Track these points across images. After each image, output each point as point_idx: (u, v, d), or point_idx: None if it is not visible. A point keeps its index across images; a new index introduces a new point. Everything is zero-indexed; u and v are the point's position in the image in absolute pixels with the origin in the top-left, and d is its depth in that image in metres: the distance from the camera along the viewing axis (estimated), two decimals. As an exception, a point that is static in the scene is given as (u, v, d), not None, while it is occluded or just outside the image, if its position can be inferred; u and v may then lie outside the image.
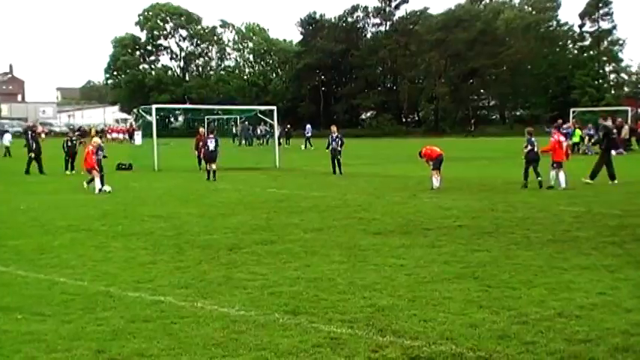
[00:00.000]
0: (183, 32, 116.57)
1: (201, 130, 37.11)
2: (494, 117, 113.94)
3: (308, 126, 67.49)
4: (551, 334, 7.69)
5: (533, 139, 24.58)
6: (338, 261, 12.04)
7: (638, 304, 8.87)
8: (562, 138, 25.39)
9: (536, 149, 24.49)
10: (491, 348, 7.27)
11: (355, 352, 7.26)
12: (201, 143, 33.17)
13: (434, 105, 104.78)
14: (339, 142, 32.14)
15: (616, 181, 25.07)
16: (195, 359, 7.16)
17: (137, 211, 19.37)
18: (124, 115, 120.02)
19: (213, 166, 30.20)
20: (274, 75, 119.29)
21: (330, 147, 32.51)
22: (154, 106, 39.78)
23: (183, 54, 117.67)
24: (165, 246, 13.77)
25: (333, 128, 33.74)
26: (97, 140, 27.50)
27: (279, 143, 45.82)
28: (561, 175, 23.73)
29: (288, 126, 70.92)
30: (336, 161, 31.85)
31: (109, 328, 8.28)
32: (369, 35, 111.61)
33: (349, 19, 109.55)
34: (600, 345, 7.29)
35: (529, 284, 10.10)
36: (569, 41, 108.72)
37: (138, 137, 63.71)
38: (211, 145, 30.78)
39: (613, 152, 45.57)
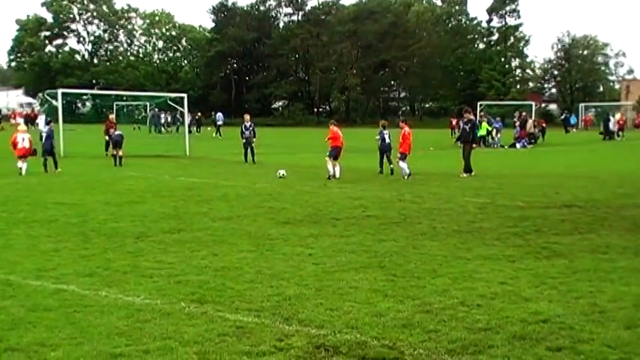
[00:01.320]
0: (92, 16, 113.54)
1: (111, 116, 36.84)
2: (404, 108, 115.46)
3: (219, 114, 66.90)
4: (453, 323, 7.84)
5: (385, 131, 27.01)
6: (246, 250, 12.01)
7: (537, 293, 9.13)
8: (407, 130, 26.38)
9: (387, 140, 26.88)
10: (395, 336, 7.38)
11: (261, 340, 7.26)
12: (111, 130, 33.22)
13: (345, 95, 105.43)
14: (253, 132, 32.12)
15: (473, 174, 25.64)
16: (98, 348, 7.02)
17: (41, 197, 18.89)
18: (29, 99, 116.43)
19: (120, 152, 29.94)
20: (185, 62, 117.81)
21: (244, 136, 32.32)
22: (59, 91, 38.65)
23: (91, 38, 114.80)
24: (70, 234, 13.48)
25: (247, 117, 33.62)
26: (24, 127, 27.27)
27: (190, 131, 45.35)
28: (403, 164, 25.06)
29: (199, 114, 70.22)
30: (249, 150, 31.83)
31: (8, 317, 8.05)
32: (281, 24, 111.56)
33: (261, 8, 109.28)
34: (499, 333, 7.48)
35: (434, 274, 10.28)
36: (477, 36, 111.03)
37: (41, 122, 62.11)
38: (118, 130, 30.71)
39: (518, 146, 47.12)
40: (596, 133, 58.24)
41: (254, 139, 32.13)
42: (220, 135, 60.82)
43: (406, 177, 24.76)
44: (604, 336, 7.35)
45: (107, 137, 34.80)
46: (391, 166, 26.42)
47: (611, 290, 9.23)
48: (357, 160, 32.34)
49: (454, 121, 65.27)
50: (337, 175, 24.80)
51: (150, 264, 10.89)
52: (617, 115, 59.85)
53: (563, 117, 75.63)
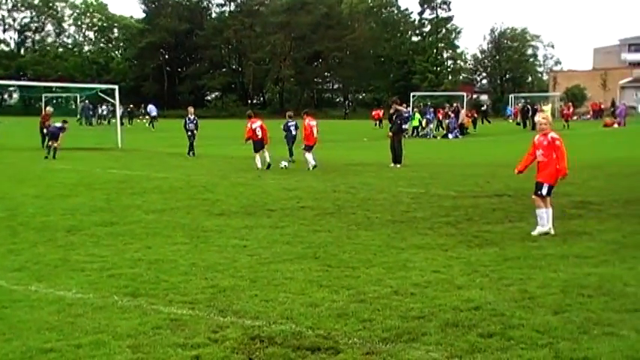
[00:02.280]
0: (18, 2, 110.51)
1: (48, 109, 36.82)
2: (338, 100, 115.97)
3: (151, 106, 66.09)
4: (387, 312, 7.91)
5: (292, 122, 28.78)
6: (180, 242, 11.92)
7: (469, 281, 9.27)
8: (313, 123, 26.91)
9: (294, 132, 28.37)
10: (330, 326, 7.41)
11: (196, 332, 7.22)
12: (48, 123, 33.37)
13: (279, 87, 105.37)
14: (196, 124, 31.68)
15: (399, 165, 25.97)
16: (28, 344, 6.88)
17: (-33, 191, 18.43)
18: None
19: (55, 144, 29.74)
20: (117, 53, 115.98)
21: (188, 128, 31.61)
22: (-16, 82, 37.71)
23: (17, 26, 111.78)
24: (-2, 228, 13.18)
25: (191, 109, 33.14)
26: None
27: (122, 123, 44.74)
28: (309, 156, 25.55)
29: (131, 106, 69.31)
30: (191, 144, 31.31)
31: None
32: (213, 15, 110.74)
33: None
34: (432, 320, 7.57)
35: (368, 263, 10.35)
36: (409, 28, 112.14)
37: None
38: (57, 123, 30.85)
39: (450, 136, 47.77)
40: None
41: (196, 131, 31.67)
42: (153, 127, 60.16)
43: (311, 168, 25.02)
44: (533, 321, 7.51)
45: (45, 130, 34.18)
46: (292, 157, 27.73)
47: (540, 277, 9.42)
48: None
49: (378, 112, 66.12)
50: (259, 166, 25.43)
51: (81, 257, 10.71)
52: (548, 107, 61.01)
53: (484, 108, 76.80)
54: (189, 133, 31.48)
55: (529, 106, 60.53)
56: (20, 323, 7.54)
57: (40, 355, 6.64)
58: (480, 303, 8.19)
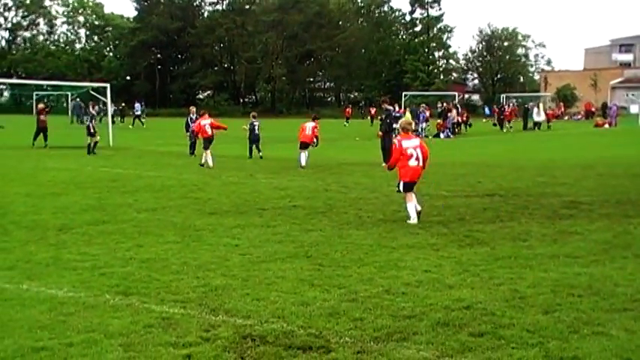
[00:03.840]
0: (9, 1, 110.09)
1: (40, 105, 36.93)
2: (329, 99, 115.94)
3: (137, 104, 65.82)
4: (378, 311, 7.94)
5: (256, 122, 29.11)
6: (172, 241, 11.92)
7: (460, 280, 9.31)
8: (310, 124, 27.04)
9: (257, 131, 29.06)
10: (322, 325, 7.43)
11: (187, 331, 7.24)
12: (42, 117, 34.41)
13: (271, 86, 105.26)
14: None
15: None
16: (20, 342, 6.89)
17: (-42, 190, 18.38)
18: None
19: (96, 139, 31.04)
20: (108, 51, 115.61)
21: (190, 128, 30.81)
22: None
23: (8, 24, 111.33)
24: (-11, 227, 13.15)
25: (192, 109, 32.56)
26: None
27: (113, 122, 44.62)
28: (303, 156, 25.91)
29: (122, 104, 69.08)
30: (193, 143, 30.63)
31: None
32: (205, 14, 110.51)
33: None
34: (423, 320, 7.61)
35: (359, 262, 10.38)
36: (400, 27, 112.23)
37: None
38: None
39: (441, 136, 47.81)
40: (518, 124, 59.28)
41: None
42: (142, 124, 60.02)
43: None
44: (524, 321, 7.55)
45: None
46: (260, 153, 28.60)
47: (530, 276, 9.47)
48: (283, 150, 32.35)
49: (373, 110, 66.63)
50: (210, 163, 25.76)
51: (73, 256, 10.71)
52: (540, 106, 61.13)
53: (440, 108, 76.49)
54: (192, 132, 30.60)
55: (528, 106, 60.65)
56: (11, 322, 7.54)
57: (31, 353, 6.64)
58: (471, 302, 8.23)
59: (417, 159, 14.27)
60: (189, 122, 31.18)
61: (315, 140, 26.66)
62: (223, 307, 8.10)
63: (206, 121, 27.44)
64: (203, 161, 25.90)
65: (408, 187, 14.22)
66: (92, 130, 30.65)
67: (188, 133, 31.09)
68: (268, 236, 12.40)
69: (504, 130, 55.03)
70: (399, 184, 14.51)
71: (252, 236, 12.40)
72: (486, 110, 78.98)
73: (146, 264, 10.22)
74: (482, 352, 6.67)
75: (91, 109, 31.02)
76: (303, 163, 25.55)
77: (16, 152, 31.52)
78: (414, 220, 13.83)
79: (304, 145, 26.22)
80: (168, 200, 16.85)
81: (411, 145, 14.35)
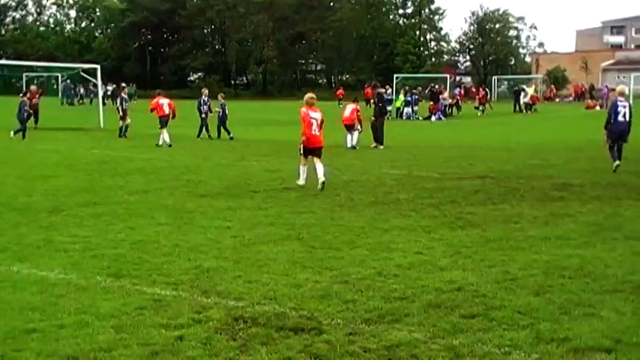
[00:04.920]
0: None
1: (32, 87, 36.71)
2: (321, 81, 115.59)
3: (124, 85, 65.30)
4: (370, 293, 7.95)
5: (224, 102, 30.07)
6: (163, 223, 11.90)
7: (451, 262, 9.33)
8: (350, 106, 27.38)
9: (227, 112, 29.93)
10: (313, 307, 7.44)
11: (179, 313, 7.23)
12: (34, 100, 33.98)
13: (262, 68, 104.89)
14: (209, 107, 30.50)
15: (382, 147, 26.44)
16: (11, 324, 6.87)
17: (-52, 172, 18.29)
18: None
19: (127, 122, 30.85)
20: (99, 32, 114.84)
21: (202, 110, 30.31)
22: (-36, 60, 37.44)
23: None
24: (-21, 209, 13.09)
25: (205, 91, 31.81)
26: None
27: (104, 103, 44.43)
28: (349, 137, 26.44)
29: (114, 86, 68.73)
30: (204, 126, 30.25)
31: None
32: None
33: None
34: (415, 302, 7.62)
35: (351, 245, 10.38)
36: (392, 8, 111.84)
37: None
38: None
39: (433, 118, 47.84)
40: (509, 106, 59.24)
41: (211, 114, 30.44)
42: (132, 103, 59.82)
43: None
44: (515, 302, 7.57)
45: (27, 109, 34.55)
46: (230, 135, 29.21)
47: (522, 258, 9.50)
48: (275, 132, 32.32)
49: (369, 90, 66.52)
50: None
51: (64, 238, 10.67)
52: (531, 89, 61.04)
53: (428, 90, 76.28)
54: (203, 115, 30.19)
55: (520, 88, 60.56)
56: (3, 304, 7.52)
57: (23, 335, 6.62)
58: (462, 284, 8.25)
59: (317, 129, 16.48)
60: (202, 105, 30.48)
61: (357, 125, 26.60)
62: (215, 289, 8.10)
63: (164, 101, 28.12)
64: (160, 142, 26.63)
65: (307, 152, 16.34)
66: (122, 114, 30.18)
67: (202, 115, 30.33)
68: (260, 218, 12.39)
69: (479, 114, 54.59)
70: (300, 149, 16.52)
71: (244, 218, 12.38)
72: (455, 91, 78.64)
73: (137, 246, 10.20)
74: (473, 333, 6.69)
75: (122, 93, 30.56)
76: (348, 144, 26.15)
77: (6, 134, 31.32)
78: (302, 181, 16.10)
79: (348, 127, 26.58)
80: (160, 182, 16.81)
81: (315, 117, 16.53)
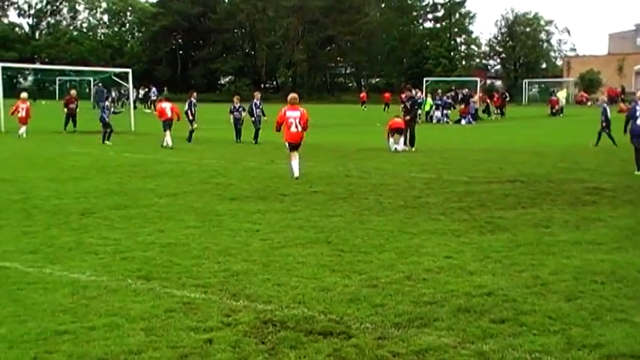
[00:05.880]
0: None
1: (72, 92, 37.94)
2: (350, 85, 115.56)
3: (153, 89, 65.84)
4: (399, 297, 7.92)
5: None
6: (193, 226, 11.95)
7: (481, 267, 9.27)
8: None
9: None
10: (342, 311, 7.43)
11: (208, 316, 7.25)
12: (71, 105, 35.32)
13: (291, 71, 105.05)
14: (262, 110, 30.14)
15: (413, 149, 26.58)
16: (43, 326, 6.94)
17: (-19, 174, 18.52)
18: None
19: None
20: (130, 37, 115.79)
21: (255, 113, 29.99)
22: (-1, 65, 37.79)
23: (32, 11, 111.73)
24: (12, 211, 13.24)
25: (257, 95, 31.69)
26: None
27: (135, 107, 44.76)
28: (394, 141, 26.30)
29: (146, 89, 69.18)
30: (256, 130, 29.74)
31: (-51, 296, 7.90)
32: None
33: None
34: (444, 306, 7.58)
35: (380, 248, 10.36)
36: (422, 12, 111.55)
37: None
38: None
39: (463, 122, 47.58)
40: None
41: (264, 118, 29.80)
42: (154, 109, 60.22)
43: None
44: (545, 307, 7.51)
45: (66, 111, 36.16)
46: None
47: (552, 263, 9.42)
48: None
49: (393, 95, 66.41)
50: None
51: (95, 240, 10.76)
52: (562, 92, 60.57)
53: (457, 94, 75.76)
54: (256, 118, 29.81)
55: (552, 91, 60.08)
56: (35, 305, 7.60)
57: (54, 336, 6.68)
58: (492, 289, 8.20)
59: (296, 126, 18.33)
60: (254, 107, 30.15)
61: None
62: (244, 292, 8.12)
63: (166, 104, 28.88)
64: (164, 144, 27.30)
65: (290, 146, 18.39)
66: (191, 117, 30.14)
67: (253, 118, 30.02)
68: (289, 222, 12.40)
69: (492, 117, 54.38)
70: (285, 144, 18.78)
71: (273, 221, 12.40)
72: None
73: (167, 249, 10.26)
74: (503, 338, 6.64)
75: (191, 97, 30.60)
76: (398, 147, 26.15)
77: (40, 137, 31.69)
78: (296, 173, 18.02)
79: (397, 131, 26.62)
80: (189, 185, 16.89)
81: (292, 115, 18.35)
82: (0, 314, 7.29)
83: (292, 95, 19.21)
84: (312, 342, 6.58)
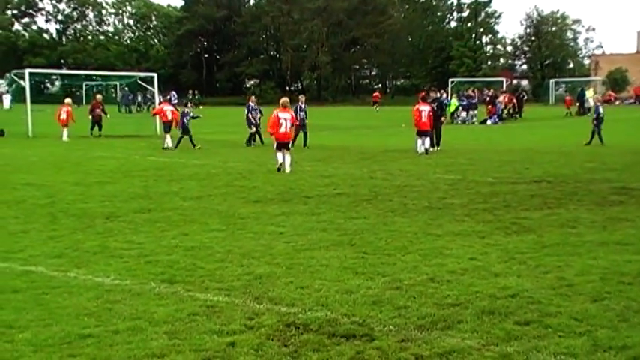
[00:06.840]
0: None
1: (98, 96, 38.32)
2: (375, 86, 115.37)
3: (173, 92, 66.09)
4: (422, 299, 7.88)
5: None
6: (216, 229, 11.97)
7: (506, 268, 9.20)
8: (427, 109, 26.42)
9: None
10: (365, 313, 7.40)
11: (231, 319, 7.26)
12: (97, 110, 36.09)
13: (316, 73, 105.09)
14: (305, 113, 29.32)
15: (439, 149, 26.80)
16: (67, 329, 6.98)
17: (8, 179, 18.70)
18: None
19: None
20: (156, 41, 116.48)
21: (299, 117, 28.22)
22: (27, 70, 38.19)
23: (59, 17, 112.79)
24: (38, 215, 13.35)
25: (302, 98, 30.47)
26: None
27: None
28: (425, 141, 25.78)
29: (172, 92, 69.48)
30: (303, 133, 28.91)
31: (-25, 300, 7.97)
32: (251, 2, 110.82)
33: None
34: (468, 308, 7.53)
35: (404, 250, 10.31)
36: (447, 12, 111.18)
37: (7, 100, 63.17)
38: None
39: (489, 122, 47.32)
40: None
41: (306, 121, 29.09)
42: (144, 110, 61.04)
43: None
44: (571, 309, 7.43)
45: (90, 117, 36.51)
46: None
47: (578, 264, 9.33)
48: (328, 138, 32.33)
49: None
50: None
51: (119, 244, 10.82)
52: (590, 91, 60.03)
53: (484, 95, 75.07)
54: (300, 122, 27.97)
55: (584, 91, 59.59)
56: (59, 309, 7.64)
57: (78, 340, 6.72)
58: (517, 290, 8.13)
59: (286, 127, 20.18)
60: (299, 111, 28.61)
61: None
62: (267, 294, 8.11)
63: (168, 107, 30.13)
64: (165, 145, 28.20)
65: (279, 145, 20.28)
66: (253, 122, 29.77)
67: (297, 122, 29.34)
68: (312, 224, 12.39)
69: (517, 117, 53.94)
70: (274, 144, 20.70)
71: (297, 224, 12.40)
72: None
73: (191, 252, 10.29)
74: (528, 340, 6.58)
75: (250, 101, 30.04)
76: (421, 149, 25.54)
77: (66, 142, 31.94)
78: (285, 165, 19.89)
79: (423, 133, 25.75)
80: (213, 188, 16.93)
81: (283, 117, 20.19)
82: (25, 318, 7.34)
83: (284, 99, 21.11)
84: (335, 345, 6.56)
